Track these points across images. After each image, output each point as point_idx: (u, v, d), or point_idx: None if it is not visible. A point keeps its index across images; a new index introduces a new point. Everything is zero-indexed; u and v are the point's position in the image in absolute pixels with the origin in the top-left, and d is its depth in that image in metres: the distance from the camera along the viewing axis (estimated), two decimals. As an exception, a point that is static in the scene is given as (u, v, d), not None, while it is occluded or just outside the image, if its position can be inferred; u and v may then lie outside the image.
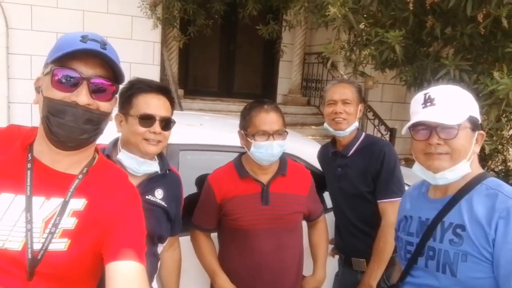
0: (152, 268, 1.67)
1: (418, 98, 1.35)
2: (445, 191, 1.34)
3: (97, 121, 1.05)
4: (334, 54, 3.44)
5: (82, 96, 1.00)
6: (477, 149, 1.33)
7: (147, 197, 1.58)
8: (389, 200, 1.97)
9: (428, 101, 1.30)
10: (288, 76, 7.56)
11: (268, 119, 1.79)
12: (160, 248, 1.74)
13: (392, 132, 5.69)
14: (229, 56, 7.54)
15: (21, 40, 5.33)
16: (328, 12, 2.59)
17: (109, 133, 1.70)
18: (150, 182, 1.63)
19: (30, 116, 5.07)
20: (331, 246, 2.40)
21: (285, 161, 1.94)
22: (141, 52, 5.98)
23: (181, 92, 6.28)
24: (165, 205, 1.64)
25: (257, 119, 1.80)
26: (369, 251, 2.03)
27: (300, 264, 1.99)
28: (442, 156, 1.28)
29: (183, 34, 5.70)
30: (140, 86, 1.59)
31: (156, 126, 1.54)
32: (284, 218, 1.86)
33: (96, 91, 1.03)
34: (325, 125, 2.15)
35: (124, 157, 1.57)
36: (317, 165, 2.44)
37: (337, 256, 2.32)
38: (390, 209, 1.94)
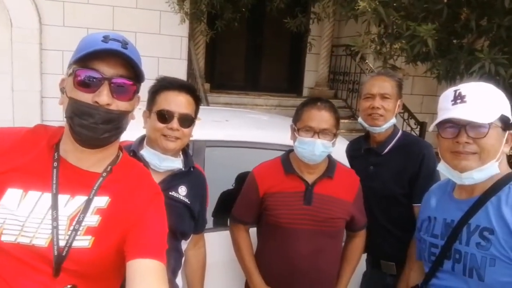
0: (176, 264, 1.69)
1: (447, 94, 1.30)
2: (471, 192, 1.30)
3: (117, 120, 1.06)
4: (364, 48, 3.36)
5: (103, 96, 1.01)
6: (507, 149, 1.28)
7: (170, 193, 1.60)
8: None
9: (458, 98, 1.26)
10: (315, 69, 7.48)
11: (317, 116, 1.75)
12: (184, 245, 1.75)
13: (422, 126, 5.54)
14: (255, 50, 7.52)
15: (54, 36, 5.48)
16: (358, 6, 2.52)
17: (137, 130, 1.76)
18: (174, 178, 1.65)
19: (62, 111, 5.19)
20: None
21: (334, 164, 1.88)
22: (169, 46, 6.03)
23: (207, 86, 6.31)
24: (188, 202, 1.66)
25: (306, 114, 1.77)
26: (400, 255, 1.93)
27: (336, 271, 1.95)
28: (469, 156, 1.24)
29: (210, 29, 5.71)
30: (163, 84, 1.62)
31: (174, 123, 1.55)
32: (325, 221, 1.80)
33: (116, 91, 1.04)
34: (360, 119, 2.05)
35: (146, 153, 1.61)
36: (344, 161, 2.38)
37: (364, 255, 2.26)
38: None
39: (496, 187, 1.24)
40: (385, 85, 1.96)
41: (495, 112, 1.23)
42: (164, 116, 1.56)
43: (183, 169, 1.66)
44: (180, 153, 1.69)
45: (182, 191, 1.65)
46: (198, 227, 1.77)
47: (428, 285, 1.41)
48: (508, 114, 1.27)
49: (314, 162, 1.78)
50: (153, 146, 1.61)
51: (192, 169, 1.71)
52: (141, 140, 1.68)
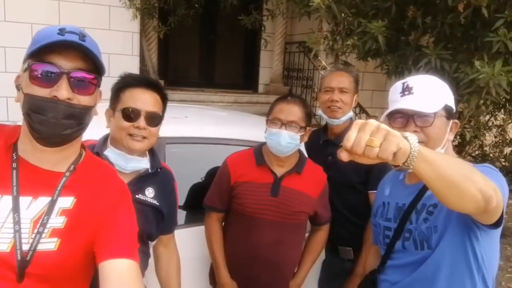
0: (143, 266, 1.64)
1: (396, 86, 1.38)
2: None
3: (79, 116, 1.02)
4: (317, 44, 3.44)
5: (62, 91, 0.97)
6: (451, 137, 1.38)
7: (137, 196, 1.54)
8: None
9: (406, 90, 1.34)
10: (269, 65, 7.54)
11: (285, 108, 1.83)
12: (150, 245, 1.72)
13: (373, 120, 5.75)
14: (209, 46, 7.46)
15: (-5, 32, 5.15)
16: (312, 2, 2.58)
17: (100, 129, 1.70)
18: (140, 180, 1.59)
19: (5, 110, 4.92)
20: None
21: (304, 160, 1.96)
22: (120, 42, 5.85)
23: (161, 83, 6.20)
24: (157, 204, 1.60)
25: (277, 108, 1.86)
26: (356, 240, 2.06)
27: (296, 263, 2.02)
28: None
29: (163, 24, 5.61)
30: (128, 81, 1.55)
31: (141, 121, 1.49)
32: (288, 214, 1.88)
33: (76, 85, 1.00)
34: (320, 112, 2.15)
35: (111, 153, 1.53)
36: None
37: None
38: None
39: None
40: (343, 80, 2.07)
41: (440, 102, 1.32)
42: (130, 115, 1.49)
43: (149, 170, 1.60)
44: (147, 153, 1.63)
45: (149, 193, 1.59)
46: (169, 227, 1.73)
47: (385, 267, 1.48)
48: (451, 104, 1.36)
49: (281, 154, 1.85)
50: (118, 146, 1.54)
51: (159, 170, 1.64)
52: (104, 140, 1.60)
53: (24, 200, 1.03)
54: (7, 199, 1.01)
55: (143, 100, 1.51)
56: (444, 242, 1.27)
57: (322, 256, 2.33)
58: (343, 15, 2.94)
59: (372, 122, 0.89)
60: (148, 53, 5.95)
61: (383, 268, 1.49)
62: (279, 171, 1.90)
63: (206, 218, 2.01)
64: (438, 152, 1.06)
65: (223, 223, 2.05)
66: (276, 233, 1.88)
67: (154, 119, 1.53)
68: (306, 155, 2.04)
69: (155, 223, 1.63)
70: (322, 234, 2.08)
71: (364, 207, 2.04)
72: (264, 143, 1.95)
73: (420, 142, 1.28)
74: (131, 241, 1.10)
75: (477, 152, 6.14)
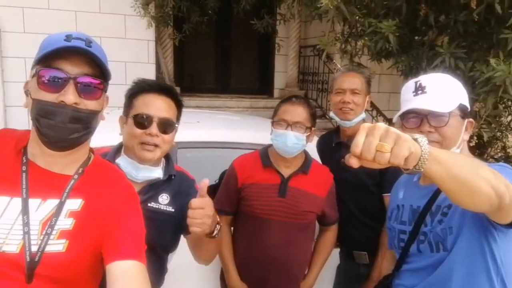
0: (157, 281, 1.57)
1: (409, 86, 1.35)
2: None
3: (86, 120, 1.04)
4: (329, 46, 3.42)
5: (69, 96, 0.99)
6: (467, 137, 1.34)
7: (149, 204, 1.47)
8: None
9: (419, 89, 1.31)
10: (284, 70, 7.54)
11: (290, 109, 1.84)
12: (169, 259, 1.65)
13: (390, 122, 5.69)
14: (224, 52, 7.51)
15: (14, 43, 5.30)
16: (321, 4, 2.58)
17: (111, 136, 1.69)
18: (153, 188, 1.51)
19: (27, 119, 5.04)
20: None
21: (310, 160, 1.97)
22: (136, 51, 5.95)
23: (177, 89, 6.25)
24: (172, 210, 1.51)
25: (281, 109, 1.87)
26: (371, 244, 2.01)
27: (306, 264, 2.02)
28: (433, 144, 1.28)
29: (178, 32, 5.67)
30: (141, 86, 1.50)
31: (153, 128, 1.42)
32: (297, 214, 1.89)
33: (83, 90, 1.02)
34: (331, 113, 2.13)
35: (122, 161, 1.48)
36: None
37: (337, 249, 2.31)
38: None
39: None
40: (355, 81, 2.04)
41: (454, 101, 1.28)
42: (142, 121, 1.43)
43: (160, 178, 1.52)
44: (162, 159, 1.56)
45: (163, 200, 1.51)
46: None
47: (400, 272, 1.45)
48: (466, 102, 1.33)
49: (288, 154, 1.85)
50: (129, 154, 1.48)
51: (173, 177, 1.55)
52: (118, 149, 1.55)
53: (33, 202, 1.05)
54: (17, 201, 1.04)
55: (156, 106, 1.45)
56: (459, 243, 1.24)
57: (337, 261, 2.30)
58: (354, 16, 2.91)
59: (381, 125, 0.86)
60: (163, 60, 6.03)
61: (398, 273, 1.46)
62: (286, 172, 1.91)
63: None
64: (447, 151, 1.03)
65: (232, 227, 2.05)
66: (285, 234, 1.89)
67: (167, 126, 1.46)
68: (311, 156, 2.03)
69: (171, 232, 1.54)
70: (331, 234, 2.08)
71: (379, 210, 2.00)
72: (269, 145, 1.96)
73: (435, 142, 1.27)
74: (137, 243, 1.11)
75: (499, 154, 5.98)
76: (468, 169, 0.99)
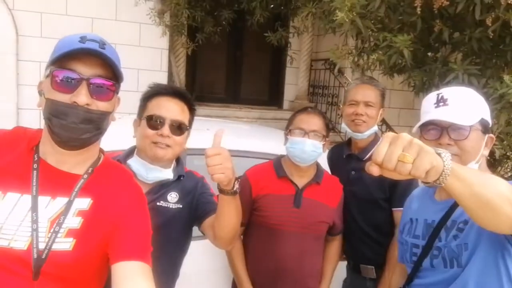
0: (168, 283, 1.61)
1: (430, 97, 1.34)
2: None
3: (97, 121, 1.05)
4: (341, 60, 3.42)
5: (81, 96, 1.01)
6: (486, 152, 1.32)
7: (158, 203, 1.51)
8: None
9: (440, 101, 1.29)
10: (294, 82, 7.57)
11: (307, 118, 1.88)
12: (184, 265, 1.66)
13: (400, 138, 5.65)
14: (236, 63, 7.57)
15: (31, 47, 5.39)
16: (336, 17, 2.59)
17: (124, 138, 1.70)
18: (163, 187, 1.54)
19: (38, 122, 5.11)
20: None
21: (322, 171, 1.99)
22: (149, 58, 6.02)
23: (189, 94, 6.30)
24: (180, 206, 1.55)
25: (298, 118, 1.91)
26: (378, 258, 1.98)
27: (319, 273, 2.02)
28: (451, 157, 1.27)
29: (191, 41, 5.74)
30: (155, 89, 1.55)
31: (165, 129, 1.46)
32: (311, 225, 1.90)
33: (95, 91, 1.03)
34: (343, 125, 2.11)
35: (134, 162, 1.51)
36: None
37: (344, 262, 2.28)
38: None
39: None
40: (369, 93, 2.02)
41: (476, 115, 1.26)
42: (154, 122, 1.47)
43: (171, 179, 1.56)
44: (173, 162, 1.60)
45: (172, 198, 1.54)
46: (210, 210, 1.54)
47: (411, 286, 1.42)
48: (487, 118, 1.31)
49: (304, 162, 1.86)
50: (141, 155, 1.52)
51: (182, 178, 1.60)
52: (130, 152, 1.59)
53: (42, 200, 1.06)
54: (27, 198, 1.04)
55: (168, 108, 1.49)
56: (475, 260, 1.21)
57: (343, 274, 2.27)
58: (368, 30, 2.92)
59: (405, 136, 0.85)
60: (176, 69, 6.09)
61: (409, 287, 1.43)
62: (300, 182, 1.92)
63: None
64: (472, 168, 1.01)
65: (243, 238, 2.03)
66: (299, 245, 1.88)
67: (179, 128, 1.50)
68: (322, 167, 2.04)
69: (180, 227, 1.57)
70: (337, 244, 2.10)
71: (387, 224, 1.97)
72: (282, 156, 1.97)
73: (453, 155, 1.23)
74: (143, 244, 1.10)
75: (509, 174, 5.90)
76: (492, 189, 0.96)
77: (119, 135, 2.17)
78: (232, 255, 1.95)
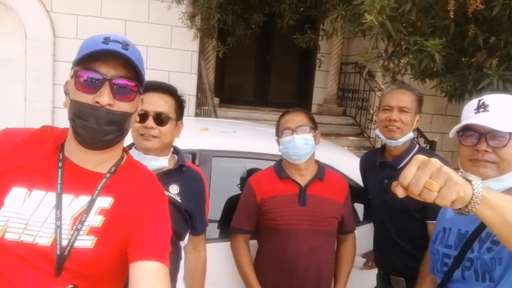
0: (175, 268, 1.68)
1: (472, 103, 1.30)
2: None
3: (119, 122, 1.06)
4: (370, 63, 3.36)
5: (104, 97, 1.02)
6: None
7: None
8: None
9: (481, 107, 1.26)
10: (323, 85, 7.51)
11: (290, 118, 1.94)
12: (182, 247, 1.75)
13: (432, 144, 5.50)
14: (265, 66, 7.59)
15: (67, 48, 5.59)
16: (365, 20, 2.54)
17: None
18: (164, 177, 1.61)
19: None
20: (363, 260, 2.31)
21: (324, 168, 2.02)
22: (180, 61, 6.11)
23: (216, 100, 6.37)
24: (179, 201, 1.64)
25: (282, 121, 1.97)
26: (410, 271, 1.89)
27: (332, 271, 2.03)
28: (488, 164, 1.23)
29: (222, 44, 5.79)
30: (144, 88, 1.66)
31: (149, 121, 1.59)
32: (319, 221, 1.91)
33: (118, 92, 1.04)
34: (377, 131, 2.04)
35: (131, 153, 1.60)
36: (353, 176, 2.38)
37: (375, 270, 2.22)
38: None
39: None
40: (404, 98, 1.94)
41: None
42: (140, 116, 1.59)
43: (166, 166, 1.66)
44: (171, 152, 1.72)
45: (173, 190, 1.65)
46: (197, 228, 1.74)
47: None
48: None
49: (300, 158, 1.89)
50: (138, 148, 1.65)
51: (184, 168, 1.71)
52: (129, 148, 1.68)
53: (66, 198, 1.08)
54: (52, 196, 1.07)
55: (151, 102, 1.60)
56: (509, 277, 1.16)
57: (373, 282, 2.22)
58: (399, 33, 2.85)
59: (435, 162, 0.84)
60: (205, 71, 6.16)
61: None
62: (302, 180, 1.95)
63: (232, 240, 2.03)
64: (504, 195, 0.97)
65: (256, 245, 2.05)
66: (311, 242, 1.90)
67: (163, 119, 1.61)
68: (323, 164, 2.07)
69: (181, 221, 1.67)
70: (350, 244, 2.09)
71: (420, 237, 1.88)
72: (281, 160, 2.01)
73: (491, 162, 1.22)
74: (162, 245, 1.11)
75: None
76: None
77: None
78: (241, 262, 1.98)
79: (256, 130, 3.38)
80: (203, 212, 1.77)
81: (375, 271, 2.21)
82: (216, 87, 6.89)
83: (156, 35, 5.95)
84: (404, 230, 1.94)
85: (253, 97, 7.61)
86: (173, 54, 6.09)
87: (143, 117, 1.60)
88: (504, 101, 1.27)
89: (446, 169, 0.84)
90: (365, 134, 6.64)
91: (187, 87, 6.12)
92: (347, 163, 2.47)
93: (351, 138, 6.59)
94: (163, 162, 1.66)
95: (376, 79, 6.11)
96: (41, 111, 5.59)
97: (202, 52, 6.36)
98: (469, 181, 0.87)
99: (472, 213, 0.88)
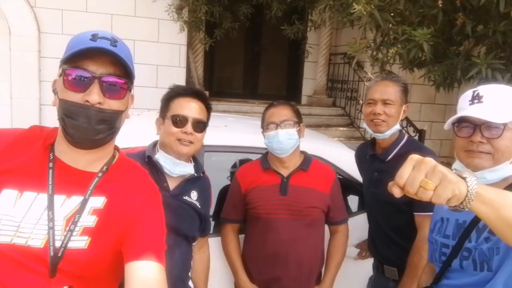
0: (187, 267, 1.76)
1: (466, 94, 1.31)
2: None
3: (110, 120, 1.04)
4: (359, 53, 3.37)
5: (93, 95, 1.00)
6: None
7: (184, 197, 1.67)
8: (428, 214, 1.73)
9: (475, 98, 1.27)
10: (313, 77, 7.50)
11: (275, 112, 1.96)
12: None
13: (421, 133, 5.54)
14: (254, 58, 7.56)
15: (52, 44, 5.50)
16: (353, 10, 2.53)
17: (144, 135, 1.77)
18: (187, 184, 1.70)
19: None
20: (357, 250, 2.33)
21: (309, 159, 2.04)
22: (168, 54, 6.05)
23: (206, 93, 6.33)
24: (199, 206, 1.72)
25: (267, 114, 1.99)
26: (400, 262, 1.91)
27: (321, 261, 2.05)
28: (482, 155, 1.24)
29: (209, 37, 5.75)
30: (177, 91, 1.70)
31: (188, 127, 1.61)
32: (300, 211, 1.94)
33: (108, 89, 1.03)
34: (364, 125, 2.04)
35: (161, 157, 1.65)
36: (345, 168, 2.39)
37: (370, 260, 2.24)
38: (427, 224, 1.74)
39: (509, 188, 1.23)
40: (387, 90, 1.91)
41: (511, 113, 1.23)
42: (178, 121, 1.62)
43: (195, 174, 1.72)
44: (190, 158, 1.74)
45: (194, 196, 1.71)
46: (205, 230, 1.84)
47: (438, 286, 1.40)
48: None
49: (284, 152, 1.93)
50: (167, 151, 1.65)
51: (202, 175, 1.78)
52: (154, 146, 1.74)
53: (58, 199, 1.06)
54: (43, 197, 1.05)
55: (190, 108, 1.64)
56: (507, 266, 1.17)
57: (369, 271, 2.24)
58: (387, 23, 2.86)
59: (429, 161, 0.85)
60: (194, 64, 6.11)
61: (436, 287, 1.41)
62: (285, 172, 1.99)
63: (222, 230, 2.11)
64: (499, 190, 0.98)
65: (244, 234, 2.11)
66: (291, 231, 1.93)
67: (200, 126, 1.65)
68: (310, 155, 2.09)
69: (197, 224, 1.74)
70: (341, 236, 2.10)
71: (411, 228, 1.88)
72: (268, 152, 2.05)
73: (485, 153, 1.23)
74: (157, 243, 1.10)
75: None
76: None
77: (139, 131, 2.19)
78: (228, 249, 2.06)
79: (246, 124, 3.37)
80: (209, 215, 1.86)
81: (370, 261, 2.23)
82: (205, 80, 6.84)
83: (143, 29, 5.87)
84: (394, 222, 1.95)
85: (242, 89, 7.58)
86: (161, 47, 6.02)
87: (182, 122, 1.62)
88: (499, 91, 1.27)
89: (441, 167, 0.85)
90: (355, 125, 6.67)
91: (176, 81, 5.99)
92: (339, 155, 2.48)
93: (341, 128, 6.61)
94: (190, 169, 1.70)
95: (365, 69, 6.12)
96: (28, 109, 5.50)
97: (190, 45, 6.30)
98: (464, 179, 0.88)
99: (467, 209, 0.89)
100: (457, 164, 1.32)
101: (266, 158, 2.05)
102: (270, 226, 1.94)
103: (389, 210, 1.94)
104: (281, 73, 7.84)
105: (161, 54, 5.99)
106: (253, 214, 1.99)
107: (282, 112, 1.95)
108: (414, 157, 0.87)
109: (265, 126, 1.98)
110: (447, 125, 1.32)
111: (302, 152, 2.05)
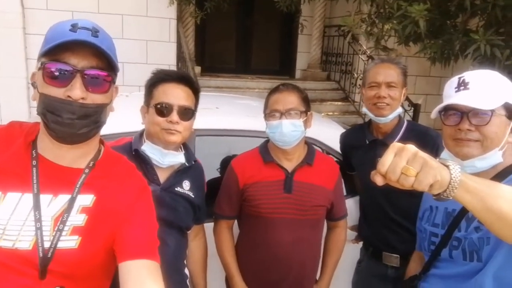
0: (183, 256, 1.72)
1: (452, 81, 1.28)
2: None
3: (94, 115, 1.00)
4: (354, 28, 3.28)
5: (76, 90, 0.95)
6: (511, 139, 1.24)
7: (176, 188, 1.60)
8: None
9: (461, 85, 1.24)
10: (307, 50, 7.38)
11: (280, 98, 1.74)
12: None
13: (416, 107, 5.50)
14: (246, 32, 7.39)
15: (37, 20, 5.31)
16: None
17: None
18: (178, 174, 1.62)
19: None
20: (353, 234, 2.29)
21: (313, 151, 1.86)
22: (157, 29, 5.90)
23: (198, 69, 6.20)
24: (192, 196, 1.64)
25: (271, 99, 1.77)
26: (406, 247, 1.84)
27: (319, 259, 1.95)
28: (471, 143, 1.21)
29: (200, 10, 5.58)
30: (160, 76, 1.57)
31: (174, 115, 1.50)
32: (306, 210, 1.78)
33: (90, 83, 0.97)
34: (364, 109, 1.96)
35: (148, 148, 1.56)
36: (337, 148, 2.33)
37: (359, 244, 2.21)
38: None
39: (499, 177, 1.21)
40: (391, 73, 1.86)
41: (499, 99, 1.20)
42: (163, 110, 1.51)
43: (186, 164, 1.62)
44: (181, 147, 1.66)
45: (186, 186, 1.63)
46: (200, 218, 1.77)
47: (427, 275, 1.39)
48: None
49: (288, 145, 1.75)
50: (154, 141, 1.56)
51: (193, 163, 1.68)
52: (140, 136, 1.62)
53: (44, 198, 1.02)
54: (28, 197, 1.01)
55: (175, 94, 1.52)
56: (497, 256, 1.16)
57: (355, 255, 2.20)
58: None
59: (410, 148, 0.86)
60: (184, 39, 5.96)
61: (425, 276, 1.40)
62: (289, 165, 1.79)
63: (215, 226, 1.92)
64: (485, 180, 0.95)
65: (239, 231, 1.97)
66: (296, 232, 1.78)
67: (187, 113, 1.54)
68: (314, 147, 1.92)
69: (191, 214, 1.67)
70: (341, 231, 1.98)
71: (417, 211, 1.87)
72: (268, 140, 1.86)
73: (474, 140, 1.21)
74: (150, 240, 1.08)
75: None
76: (507, 201, 0.92)
77: (129, 113, 2.10)
78: (222, 249, 1.89)
79: (239, 104, 3.30)
80: (204, 202, 1.76)
81: (358, 245, 2.19)
82: (197, 55, 6.70)
83: (131, 2, 5.69)
84: (401, 206, 1.90)
85: (235, 64, 7.44)
86: (150, 22, 5.85)
87: (167, 110, 1.51)
88: (485, 77, 1.24)
89: (422, 154, 0.85)
90: (349, 99, 6.61)
91: (166, 57, 5.94)
92: (334, 136, 2.41)
93: (336, 103, 6.56)
94: (180, 158, 1.59)
95: (360, 42, 6.01)
96: (15, 87, 5.38)
97: (180, 19, 6.13)
98: (447, 166, 0.87)
99: (451, 198, 0.88)
100: (444, 153, 1.30)
101: (267, 149, 1.84)
102: (272, 226, 1.76)
103: (396, 195, 1.81)
104: (274, 47, 7.69)
105: (150, 28, 5.83)
106: (252, 212, 1.79)
107: (288, 98, 1.72)
108: (396, 145, 0.87)
109: (267, 113, 1.76)
110: (434, 113, 1.29)
111: (306, 143, 1.86)
